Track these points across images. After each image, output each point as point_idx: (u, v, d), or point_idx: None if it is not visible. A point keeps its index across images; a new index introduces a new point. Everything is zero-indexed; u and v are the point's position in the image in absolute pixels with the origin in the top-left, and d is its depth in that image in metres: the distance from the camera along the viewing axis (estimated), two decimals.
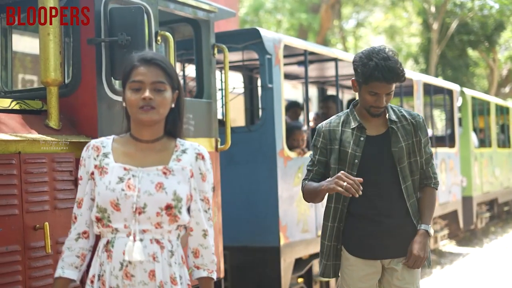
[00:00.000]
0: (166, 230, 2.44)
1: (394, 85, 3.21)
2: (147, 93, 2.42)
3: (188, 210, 2.54)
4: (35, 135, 3.44)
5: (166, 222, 2.43)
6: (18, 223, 3.26)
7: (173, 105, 2.52)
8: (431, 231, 3.36)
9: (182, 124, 2.59)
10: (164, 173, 2.47)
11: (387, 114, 3.34)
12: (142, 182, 2.43)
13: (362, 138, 3.30)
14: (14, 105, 3.61)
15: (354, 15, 28.93)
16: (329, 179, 3.16)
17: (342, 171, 3.10)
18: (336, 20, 24.82)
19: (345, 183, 3.01)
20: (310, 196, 3.37)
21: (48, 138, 3.48)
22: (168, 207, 2.42)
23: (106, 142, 2.54)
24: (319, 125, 3.44)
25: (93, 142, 2.56)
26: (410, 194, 3.32)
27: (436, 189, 3.45)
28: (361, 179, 3.03)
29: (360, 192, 3.01)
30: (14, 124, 3.43)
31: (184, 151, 2.54)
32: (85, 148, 2.56)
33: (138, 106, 2.43)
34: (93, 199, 2.52)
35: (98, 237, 2.53)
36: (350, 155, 3.28)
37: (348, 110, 3.40)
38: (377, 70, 3.13)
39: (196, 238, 2.56)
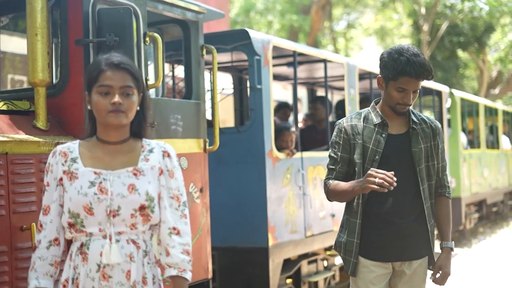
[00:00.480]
0: (140, 230, 2.47)
1: (421, 83, 3.20)
2: (116, 98, 2.43)
3: None
4: (22, 135, 3.44)
5: (140, 223, 2.45)
6: (5, 223, 3.26)
7: (138, 108, 2.54)
8: (453, 247, 3.39)
9: (147, 125, 2.61)
10: (135, 174, 2.49)
11: (409, 115, 3.32)
12: (114, 185, 2.45)
13: (384, 135, 3.27)
14: (2, 106, 3.60)
15: (345, 16, 28.98)
16: (360, 179, 3.13)
17: (372, 168, 3.07)
18: (326, 21, 24.83)
19: (376, 179, 2.99)
20: (339, 197, 3.31)
21: (36, 138, 3.48)
22: (142, 208, 2.45)
23: (72, 147, 2.54)
24: (339, 121, 3.38)
25: (59, 148, 2.55)
26: (426, 197, 3.30)
27: (450, 199, 3.43)
28: (392, 172, 3.01)
29: (395, 184, 2.98)
30: (1, 125, 3.42)
31: (151, 151, 2.56)
32: (51, 154, 2.55)
33: (108, 110, 2.44)
34: (62, 205, 2.51)
35: (69, 242, 2.52)
36: (371, 151, 3.25)
37: (370, 107, 3.37)
38: (409, 65, 3.11)
39: (163, 237, 2.55)
